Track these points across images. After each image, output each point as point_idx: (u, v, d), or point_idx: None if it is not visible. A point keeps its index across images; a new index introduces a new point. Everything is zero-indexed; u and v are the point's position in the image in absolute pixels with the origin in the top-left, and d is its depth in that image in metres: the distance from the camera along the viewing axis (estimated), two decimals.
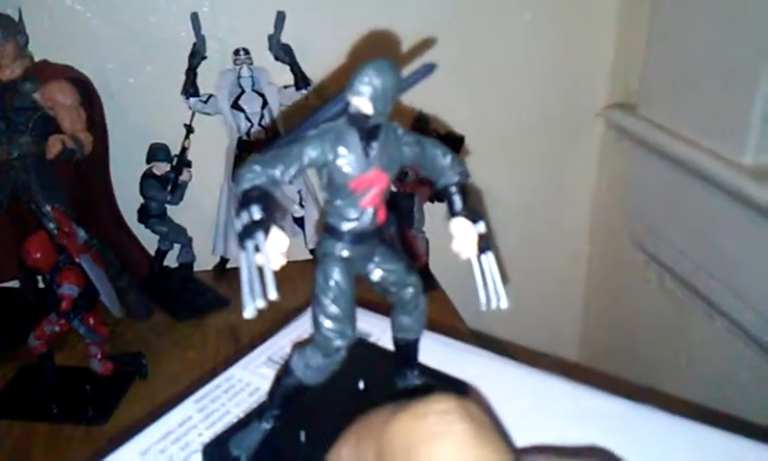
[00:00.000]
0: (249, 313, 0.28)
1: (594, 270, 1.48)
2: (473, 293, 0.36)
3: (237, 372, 0.49)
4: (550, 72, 1.31)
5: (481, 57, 1.26)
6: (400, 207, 1.10)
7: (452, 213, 0.37)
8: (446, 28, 1.19)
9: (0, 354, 0.96)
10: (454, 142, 1.07)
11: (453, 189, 0.37)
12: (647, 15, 1.20)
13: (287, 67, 1.07)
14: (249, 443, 0.38)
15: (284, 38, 1.07)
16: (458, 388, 0.45)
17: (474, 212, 0.37)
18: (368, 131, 0.33)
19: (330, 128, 0.34)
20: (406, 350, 0.42)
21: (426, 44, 1.10)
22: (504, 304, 0.36)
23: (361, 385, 0.44)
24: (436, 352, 0.47)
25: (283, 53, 1.07)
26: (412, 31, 1.14)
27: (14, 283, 1.06)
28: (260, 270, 0.29)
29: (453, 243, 0.36)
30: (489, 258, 0.36)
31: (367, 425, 0.28)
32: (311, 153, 0.33)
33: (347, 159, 0.33)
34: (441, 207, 0.38)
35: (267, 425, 0.38)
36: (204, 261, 1.18)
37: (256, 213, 0.30)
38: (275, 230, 0.30)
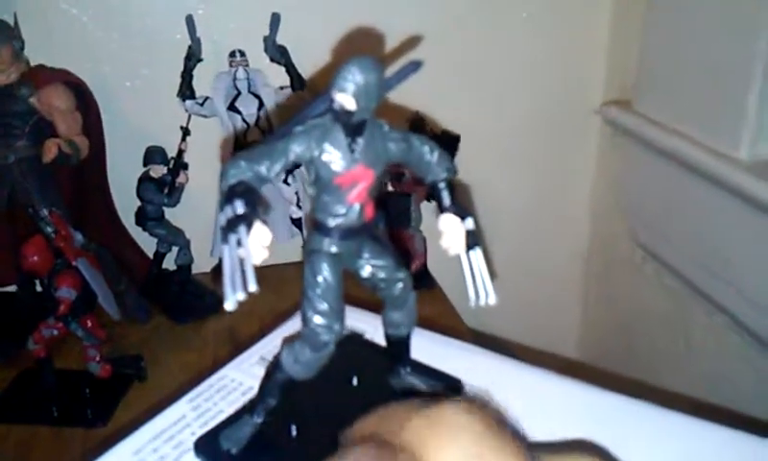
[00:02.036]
0: (230, 306, 0.29)
1: (592, 267, 1.48)
2: None
3: (230, 371, 0.49)
4: (546, 70, 1.31)
5: (477, 55, 1.26)
6: (398, 207, 1.10)
7: (441, 210, 0.37)
8: (442, 27, 1.19)
9: None
10: (450, 141, 1.06)
11: (441, 185, 0.37)
12: (642, 12, 1.20)
13: (283, 69, 1.08)
14: (240, 436, 0.38)
15: (280, 40, 1.07)
16: (451, 384, 0.45)
17: (463, 208, 0.37)
18: (353, 127, 0.33)
19: (316, 124, 0.34)
20: (398, 345, 0.43)
21: (413, 42, 1.09)
22: (492, 301, 0.36)
23: (354, 381, 0.44)
24: (433, 351, 0.47)
25: (279, 54, 1.07)
26: (408, 31, 1.14)
27: (12, 288, 1.06)
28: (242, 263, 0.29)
29: (441, 239, 0.36)
30: (477, 255, 0.36)
31: (386, 422, 0.28)
32: (296, 149, 0.33)
33: (331, 156, 0.33)
34: None
35: (258, 419, 0.38)
36: (203, 263, 1.18)
37: (240, 208, 0.30)
38: (257, 225, 0.30)
